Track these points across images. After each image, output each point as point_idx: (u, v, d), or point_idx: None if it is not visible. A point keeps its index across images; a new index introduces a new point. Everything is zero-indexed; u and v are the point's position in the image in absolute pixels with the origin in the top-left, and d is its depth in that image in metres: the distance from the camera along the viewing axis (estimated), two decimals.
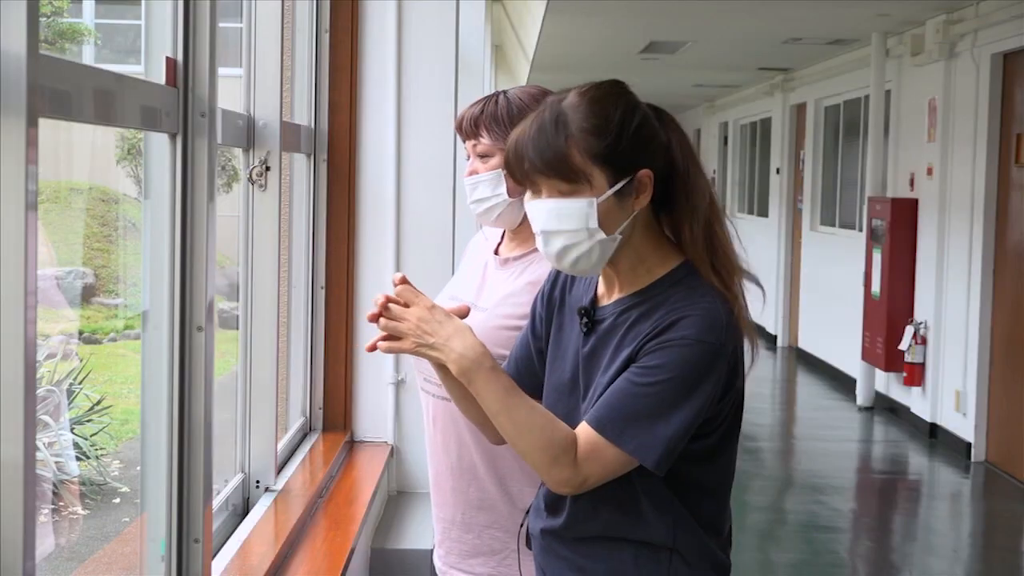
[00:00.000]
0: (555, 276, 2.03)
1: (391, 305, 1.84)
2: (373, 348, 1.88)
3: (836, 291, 10.63)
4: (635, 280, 1.86)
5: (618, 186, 1.79)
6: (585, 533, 1.89)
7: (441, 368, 1.90)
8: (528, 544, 2.03)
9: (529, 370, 2.02)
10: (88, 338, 7.09)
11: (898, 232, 8.70)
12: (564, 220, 1.79)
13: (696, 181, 1.85)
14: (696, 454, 1.82)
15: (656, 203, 1.86)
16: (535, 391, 1.97)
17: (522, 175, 1.83)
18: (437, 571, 2.39)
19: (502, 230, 2.41)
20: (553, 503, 1.93)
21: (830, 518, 6.48)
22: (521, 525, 2.09)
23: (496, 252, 2.38)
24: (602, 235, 1.79)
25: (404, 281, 1.85)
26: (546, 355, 1.99)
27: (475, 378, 1.80)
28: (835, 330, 10.59)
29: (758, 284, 1.89)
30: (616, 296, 1.89)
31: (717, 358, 1.76)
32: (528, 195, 1.86)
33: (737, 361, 1.81)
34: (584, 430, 1.78)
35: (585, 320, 1.90)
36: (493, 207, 2.28)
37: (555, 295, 2.01)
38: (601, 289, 1.93)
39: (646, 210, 1.84)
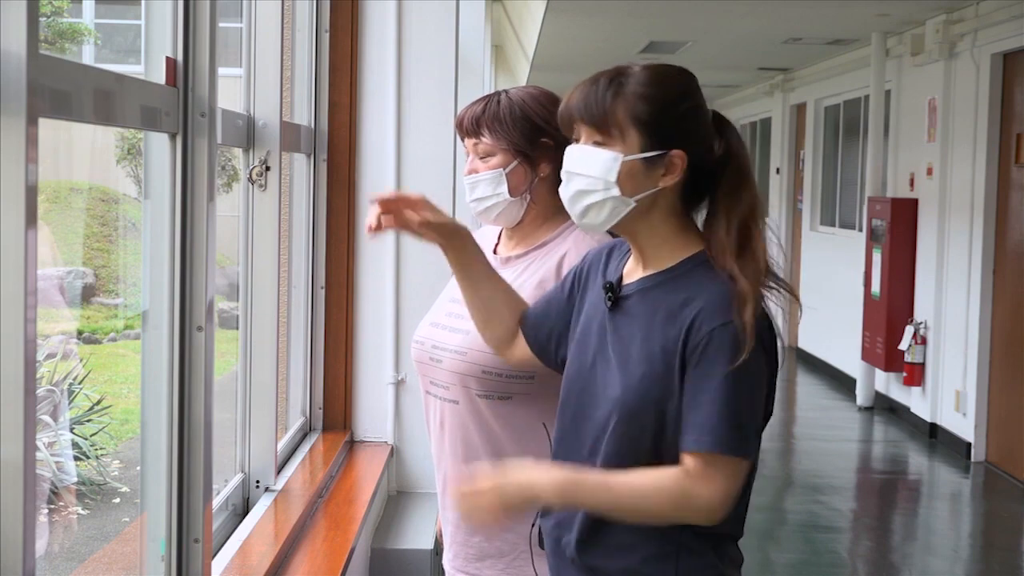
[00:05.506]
0: (587, 259, 2.07)
1: None
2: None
3: (836, 291, 10.63)
4: (659, 261, 1.90)
5: (648, 154, 1.84)
6: (599, 543, 1.90)
7: (453, 252, 2.07)
8: (541, 544, 2.05)
9: (539, 319, 2.09)
10: (88, 338, 7.10)
11: (898, 232, 8.70)
12: (587, 165, 1.86)
13: (740, 189, 1.88)
14: None
15: (690, 193, 1.90)
16: (537, 332, 2.07)
17: (568, 121, 1.90)
18: (446, 574, 2.39)
19: (498, 231, 2.41)
20: (566, 515, 1.94)
21: (830, 518, 6.47)
22: (532, 524, 2.09)
23: (495, 252, 2.38)
24: (616, 192, 1.84)
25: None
26: (566, 314, 2.04)
27: (574, 501, 1.85)
28: (835, 330, 10.58)
29: (791, 292, 1.90)
30: (641, 275, 1.92)
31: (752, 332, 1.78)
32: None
33: (772, 331, 1.84)
34: (695, 457, 1.78)
35: (609, 295, 1.93)
36: (493, 206, 2.30)
37: (584, 277, 2.05)
38: (629, 268, 1.97)
39: (673, 194, 1.88)
